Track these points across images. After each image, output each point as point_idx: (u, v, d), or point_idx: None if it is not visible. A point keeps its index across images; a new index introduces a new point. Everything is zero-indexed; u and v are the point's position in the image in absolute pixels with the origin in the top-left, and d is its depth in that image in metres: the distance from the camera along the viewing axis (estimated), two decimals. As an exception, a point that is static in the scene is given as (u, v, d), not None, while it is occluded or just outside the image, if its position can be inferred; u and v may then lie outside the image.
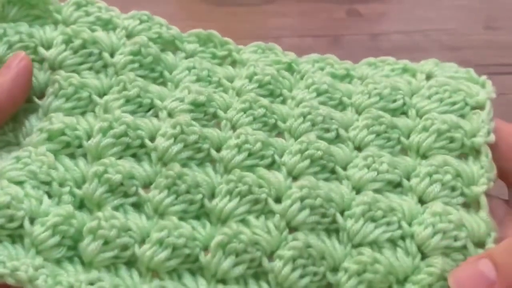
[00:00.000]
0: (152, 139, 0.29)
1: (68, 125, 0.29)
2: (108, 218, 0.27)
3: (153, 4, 0.53)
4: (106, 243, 0.26)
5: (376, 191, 0.28)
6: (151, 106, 0.30)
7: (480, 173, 0.28)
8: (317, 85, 0.32)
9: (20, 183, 0.27)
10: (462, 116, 0.31)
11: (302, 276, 0.26)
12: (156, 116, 0.30)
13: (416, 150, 0.30)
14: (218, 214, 0.28)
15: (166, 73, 0.32)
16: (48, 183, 0.28)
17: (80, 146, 0.29)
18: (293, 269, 0.26)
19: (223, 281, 0.26)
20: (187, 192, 0.28)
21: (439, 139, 0.29)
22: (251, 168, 0.29)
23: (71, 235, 0.27)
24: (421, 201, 0.28)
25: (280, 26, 0.51)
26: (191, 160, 0.29)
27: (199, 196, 0.28)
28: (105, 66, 0.31)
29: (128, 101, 0.30)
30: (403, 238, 0.27)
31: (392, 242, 0.27)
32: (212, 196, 0.28)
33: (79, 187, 0.28)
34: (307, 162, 0.29)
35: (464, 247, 0.26)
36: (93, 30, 0.32)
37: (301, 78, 0.33)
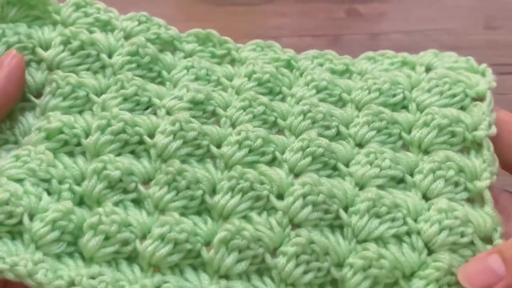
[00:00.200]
0: (151, 136, 0.29)
1: (66, 124, 0.29)
2: (109, 214, 0.27)
3: (153, 5, 0.53)
4: (106, 238, 0.26)
5: (380, 187, 0.28)
6: (149, 105, 0.31)
7: (483, 167, 0.28)
8: (317, 82, 0.32)
9: (19, 180, 0.27)
10: (463, 108, 0.30)
11: (306, 272, 0.26)
12: (155, 114, 0.30)
13: (418, 145, 0.30)
14: (220, 211, 0.28)
15: (164, 73, 0.32)
16: (47, 181, 0.28)
17: (78, 144, 0.29)
18: (297, 265, 0.26)
19: (226, 277, 0.26)
20: (188, 188, 0.28)
21: (441, 134, 0.29)
22: (252, 165, 0.29)
23: (71, 230, 0.26)
24: (425, 197, 0.28)
25: (279, 26, 0.51)
26: (190, 156, 0.29)
27: (200, 192, 0.28)
28: (103, 67, 0.31)
29: (125, 99, 0.30)
30: (408, 234, 0.27)
31: (398, 238, 0.27)
32: (213, 192, 0.28)
33: (78, 184, 0.28)
34: (308, 159, 0.29)
35: (472, 243, 0.26)
36: (91, 32, 0.32)
37: (300, 75, 0.33)
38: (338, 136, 0.30)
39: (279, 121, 0.31)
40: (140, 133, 0.29)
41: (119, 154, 0.29)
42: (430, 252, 0.27)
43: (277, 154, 0.29)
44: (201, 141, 0.29)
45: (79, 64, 0.31)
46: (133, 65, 0.31)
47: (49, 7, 0.32)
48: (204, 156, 0.29)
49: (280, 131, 0.31)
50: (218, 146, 0.29)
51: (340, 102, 0.32)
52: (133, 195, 0.28)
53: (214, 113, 0.31)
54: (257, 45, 0.34)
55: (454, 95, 0.31)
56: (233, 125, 0.30)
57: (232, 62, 0.34)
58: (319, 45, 0.49)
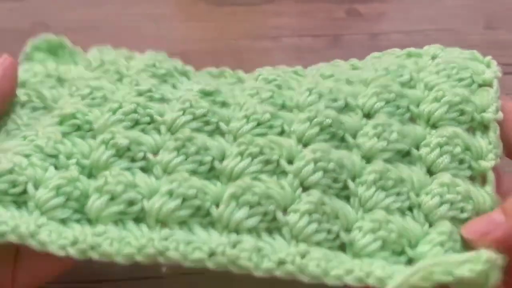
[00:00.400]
0: (162, 116, 0.30)
1: (80, 111, 0.29)
2: (115, 176, 0.27)
3: (153, 5, 0.53)
4: (112, 198, 0.26)
5: (386, 160, 0.28)
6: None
7: (489, 148, 0.29)
8: (323, 72, 0.33)
9: (26, 156, 0.27)
10: (471, 92, 0.31)
11: (317, 231, 0.26)
12: (167, 101, 0.31)
13: (427, 119, 0.30)
14: (229, 174, 0.28)
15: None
16: (54, 156, 0.28)
17: (90, 130, 0.29)
18: (309, 223, 0.26)
19: (236, 232, 0.26)
20: (197, 153, 0.28)
21: (451, 110, 0.30)
22: (261, 136, 0.29)
23: (76, 197, 0.26)
24: (429, 172, 0.29)
25: (279, 26, 0.51)
26: (200, 131, 0.29)
27: (209, 158, 0.28)
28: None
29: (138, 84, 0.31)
30: (410, 208, 0.27)
31: (401, 211, 0.27)
32: (223, 159, 0.28)
33: (86, 159, 0.28)
34: (316, 129, 0.29)
35: (469, 219, 0.27)
36: None
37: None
38: (346, 107, 0.30)
39: (287, 103, 0.31)
40: (151, 114, 0.29)
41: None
42: (430, 225, 0.27)
43: (285, 126, 0.29)
44: (210, 118, 0.29)
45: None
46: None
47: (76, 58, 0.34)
48: (214, 133, 0.29)
49: (288, 111, 0.31)
50: (227, 124, 0.30)
51: (348, 82, 0.32)
52: (141, 163, 0.28)
53: (223, 104, 0.31)
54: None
55: (461, 79, 0.31)
56: (241, 108, 0.31)
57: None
58: (319, 45, 0.49)
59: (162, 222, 0.26)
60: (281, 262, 0.25)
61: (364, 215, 0.27)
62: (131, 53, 0.35)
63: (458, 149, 0.28)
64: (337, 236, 0.26)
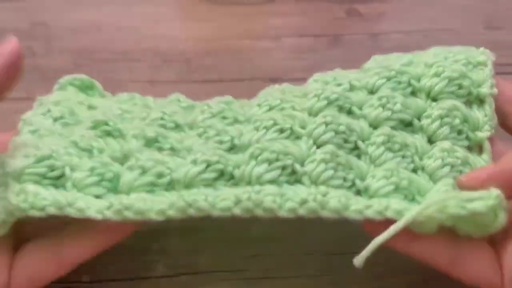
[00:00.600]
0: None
1: (111, 119, 0.31)
2: (145, 155, 0.29)
3: (153, 4, 0.53)
4: (143, 172, 0.28)
5: (392, 128, 0.31)
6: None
7: (485, 120, 0.31)
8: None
9: (63, 148, 0.29)
10: (468, 70, 0.33)
11: (333, 178, 0.28)
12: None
13: (427, 93, 0.32)
14: (247, 143, 0.30)
15: None
16: (89, 150, 0.30)
17: (120, 135, 0.31)
18: (325, 169, 0.28)
19: (258, 185, 0.28)
20: (217, 135, 0.31)
21: (450, 84, 0.32)
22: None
23: (110, 178, 0.28)
24: (430, 141, 0.31)
25: (279, 26, 0.51)
26: (218, 120, 0.32)
27: (228, 138, 0.30)
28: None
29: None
30: (415, 170, 0.29)
31: (408, 171, 0.29)
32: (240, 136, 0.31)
33: (118, 153, 0.30)
34: (324, 102, 0.31)
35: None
36: None
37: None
38: (351, 88, 0.33)
39: (295, 100, 0.33)
40: (176, 121, 0.32)
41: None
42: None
43: (296, 106, 0.32)
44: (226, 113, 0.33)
45: None
46: None
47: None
48: (233, 122, 0.32)
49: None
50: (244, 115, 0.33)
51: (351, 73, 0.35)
52: (168, 152, 0.30)
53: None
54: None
55: (458, 60, 0.33)
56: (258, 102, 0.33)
57: None
58: (320, 45, 0.49)
59: (189, 187, 0.28)
60: (303, 202, 0.27)
61: (376, 168, 0.29)
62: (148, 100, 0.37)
63: (457, 121, 0.30)
64: (353, 184, 0.28)
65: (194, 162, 0.28)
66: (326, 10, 0.53)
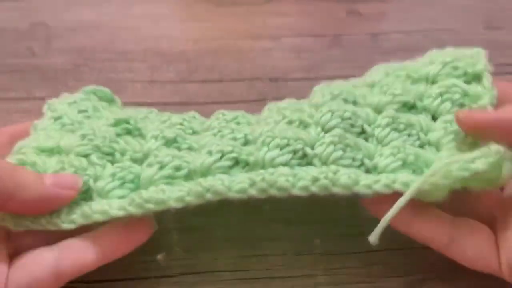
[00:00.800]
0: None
1: (132, 117, 0.33)
2: (164, 152, 0.31)
3: (152, 4, 0.53)
4: (162, 167, 0.30)
5: (395, 111, 0.32)
6: None
7: (484, 92, 0.32)
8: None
9: (86, 155, 0.31)
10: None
11: (342, 158, 0.29)
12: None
13: (426, 78, 0.34)
14: (258, 135, 0.31)
15: None
16: (111, 154, 0.31)
17: (140, 135, 0.33)
18: (335, 150, 0.30)
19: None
20: (231, 133, 0.32)
21: (446, 67, 0.33)
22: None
23: (131, 179, 0.30)
24: (434, 119, 0.32)
25: (280, 26, 0.51)
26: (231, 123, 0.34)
27: (241, 135, 0.32)
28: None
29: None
30: (422, 146, 0.31)
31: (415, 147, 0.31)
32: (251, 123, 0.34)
33: (138, 153, 0.32)
34: (328, 97, 0.33)
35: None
36: None
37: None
38: (354, 87, 0.35)
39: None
40: (193, 127, 0.34)
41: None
42: None
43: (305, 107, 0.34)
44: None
45: None
46: None
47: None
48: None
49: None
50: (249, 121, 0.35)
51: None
52: (186, 152, 0.31)
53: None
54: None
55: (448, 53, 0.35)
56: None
57: None
58: (320, 45, 0.49)
59: (205, 175, 0.29)
60: (315, 179, 0.28)
61: (383, 148, 0.30)
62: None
63: (457, 96, 0.32)
64: (362, 163, 0.30)
65: (210, 152, 0.30)
66: (326, 10, 0.53)
